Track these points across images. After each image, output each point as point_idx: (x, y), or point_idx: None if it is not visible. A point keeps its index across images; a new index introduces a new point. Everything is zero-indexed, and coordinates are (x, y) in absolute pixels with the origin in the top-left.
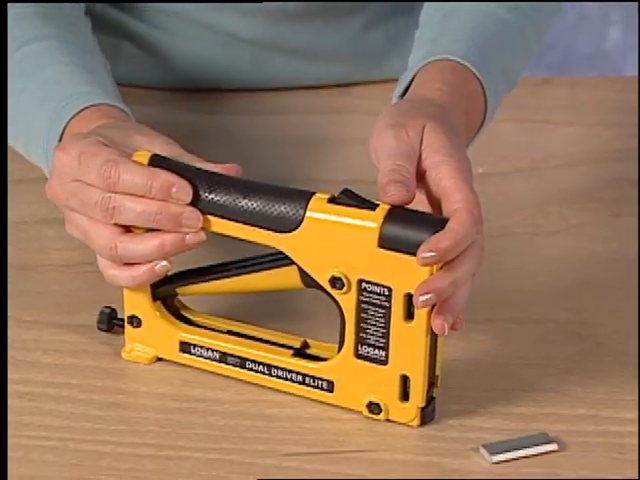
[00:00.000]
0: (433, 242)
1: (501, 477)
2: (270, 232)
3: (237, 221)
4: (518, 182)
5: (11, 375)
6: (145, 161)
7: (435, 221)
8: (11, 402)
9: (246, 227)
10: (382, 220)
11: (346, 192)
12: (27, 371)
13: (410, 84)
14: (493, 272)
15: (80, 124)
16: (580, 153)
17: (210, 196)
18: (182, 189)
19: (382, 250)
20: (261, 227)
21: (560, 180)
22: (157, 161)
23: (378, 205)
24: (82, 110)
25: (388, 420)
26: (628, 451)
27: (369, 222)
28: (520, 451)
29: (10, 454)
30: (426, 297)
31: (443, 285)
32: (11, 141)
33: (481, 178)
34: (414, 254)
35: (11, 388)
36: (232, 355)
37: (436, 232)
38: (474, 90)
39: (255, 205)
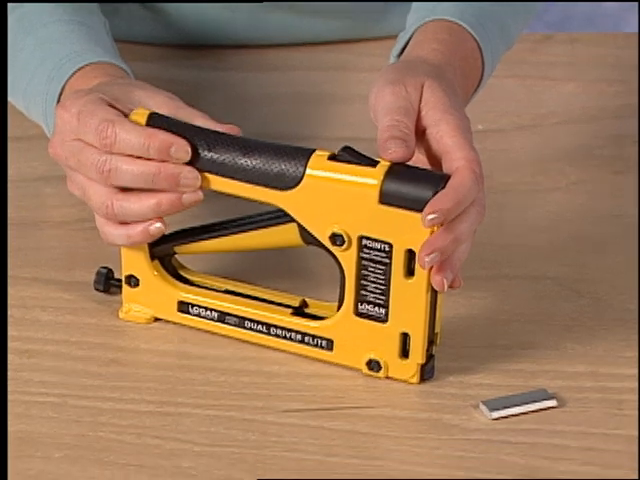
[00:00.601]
0: (437, 203)
1: (500, 433)
2: (270, 190)
3: (237, 179)
4: (518, 139)
5: (10, 332)
6: (143, 120)
7: (436, 177)
8: (11, 359)
9: (246, 185)
10: (383, 177)
11: (346, 149)
12: (26, 328)
13: (407, 44)
14: (493, 229)
15: (79, 82)
16: (580, 110)
17: (209, 154)
18: (181, 148)
19: (383, 206)
20: (261, 185)
21: (560, 137)
22: (155, 120)
23: (378, 162)
24: (81, 68)
25: (388, 377)
26: (627, 407)
27: (370, 179)
28: (519, 407)
29: (10, 410)
30: (431, 256)
31: (445, 243)
32: (12, 99)
33: (481, 135)
34: (415, 210)
35: (10, 345)
36: (231, 314)
37: (437, 188)
38: (471, 50)
39: (255, 163)
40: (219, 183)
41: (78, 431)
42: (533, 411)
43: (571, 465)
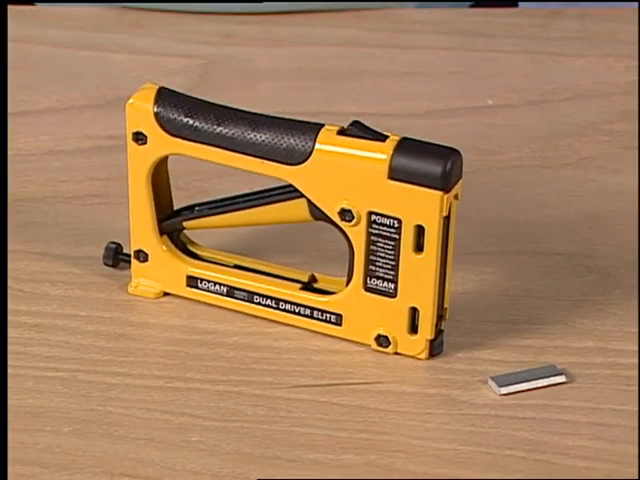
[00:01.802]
0: None
1: (509, 409)
2: (279, 165)
3: (246, 154)
4: (528, 114)
5: (19, 307)
6: (152, 95)
7: (446, 152)
8: (20, 333)
9: (255, 160)
10: (392, 151)
11: (356, 124)
12: (36, 303)
13: None
14: (503, 204)
15: None
16: (590, 85)
17: (219, 129)
18: None
19: (392, 182)
20: (270, 160)
21: (570, 112)
22: (165, 94)
23: (388, 137)
24: None
25: (396, 353)
26: (635, 383)
27: (379, 154)
28: (528, 383)
29: (19, 385)
30: None
31: None
32: None
33: (491, 110)
34: (424, 185)
35: (20, 320)
36: (240, 289)
37: (446, 163)
38: None
39: (264, 138)
40: (228, 158)
41: (87, 406)
42: (542, 387)
43: (579, 440)
